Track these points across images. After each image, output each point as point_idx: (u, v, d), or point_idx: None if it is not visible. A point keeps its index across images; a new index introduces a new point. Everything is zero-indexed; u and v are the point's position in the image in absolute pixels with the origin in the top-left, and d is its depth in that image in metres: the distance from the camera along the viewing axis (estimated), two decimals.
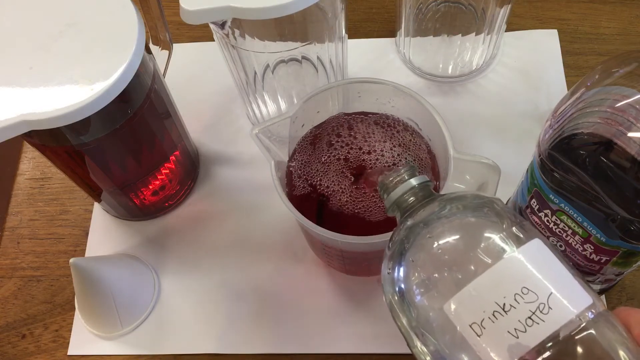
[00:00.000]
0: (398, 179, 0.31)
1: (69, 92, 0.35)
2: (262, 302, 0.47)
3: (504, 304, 0.24)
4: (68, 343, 0.47)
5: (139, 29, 0.37)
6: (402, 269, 0.28)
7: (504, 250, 0.26)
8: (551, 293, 0.24)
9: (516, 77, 0.55)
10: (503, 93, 0.55)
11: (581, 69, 0.56)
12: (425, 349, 0.26)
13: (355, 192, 0.40)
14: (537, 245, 0.26)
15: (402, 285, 0.28)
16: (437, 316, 0.26)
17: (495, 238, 0.26)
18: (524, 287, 0.24)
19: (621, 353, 0.23)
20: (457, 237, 0.28)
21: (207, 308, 0.47)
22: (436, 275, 0.27)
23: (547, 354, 0.23)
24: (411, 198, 0.31)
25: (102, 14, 0.38)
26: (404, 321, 0.27)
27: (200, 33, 0.60)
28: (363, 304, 0.46)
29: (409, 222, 0.29)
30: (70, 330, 0.47)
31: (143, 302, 0.47)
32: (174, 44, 0.48)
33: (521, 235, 0.27)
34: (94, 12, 0.38)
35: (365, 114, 0.43)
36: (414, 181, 0.31)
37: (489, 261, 0.25)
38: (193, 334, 0.46)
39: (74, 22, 0.38)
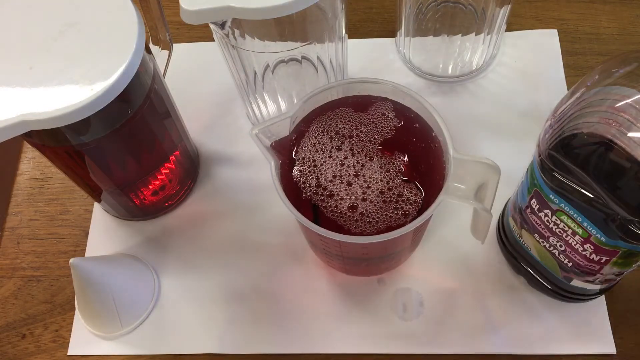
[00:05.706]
0: None
1: (69, 92, 0.35)
2: (262, 302, 0.47)
3: None
4: (68, 343, 0.47)
5: (139, 29, 0.37)
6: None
7: None
8: None
9: (516, 77, 0.55)
10: (503, 93, 0.55)
11: (581, 69, 0.56)
12: None
13: (356, 190, 0.40)
14: None
15: None
16: None
17: None
18: None
19: None
20: None
21: (207, 308, 0.47)
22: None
23: None
24: None
25: (102, 14, 0.38)
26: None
27: (200, 33, 0.60)
28: (363, 304, 0.46)
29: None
30: (70, 330, 0.47)
31: (143, 302, 0.47)
32: (174, 44, 0.48)
33: None
34: (93, 12, 0.38)
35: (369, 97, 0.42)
36: None
37: None
38: (193, 334, 0.46)
39: (74, 22, 0.38)
